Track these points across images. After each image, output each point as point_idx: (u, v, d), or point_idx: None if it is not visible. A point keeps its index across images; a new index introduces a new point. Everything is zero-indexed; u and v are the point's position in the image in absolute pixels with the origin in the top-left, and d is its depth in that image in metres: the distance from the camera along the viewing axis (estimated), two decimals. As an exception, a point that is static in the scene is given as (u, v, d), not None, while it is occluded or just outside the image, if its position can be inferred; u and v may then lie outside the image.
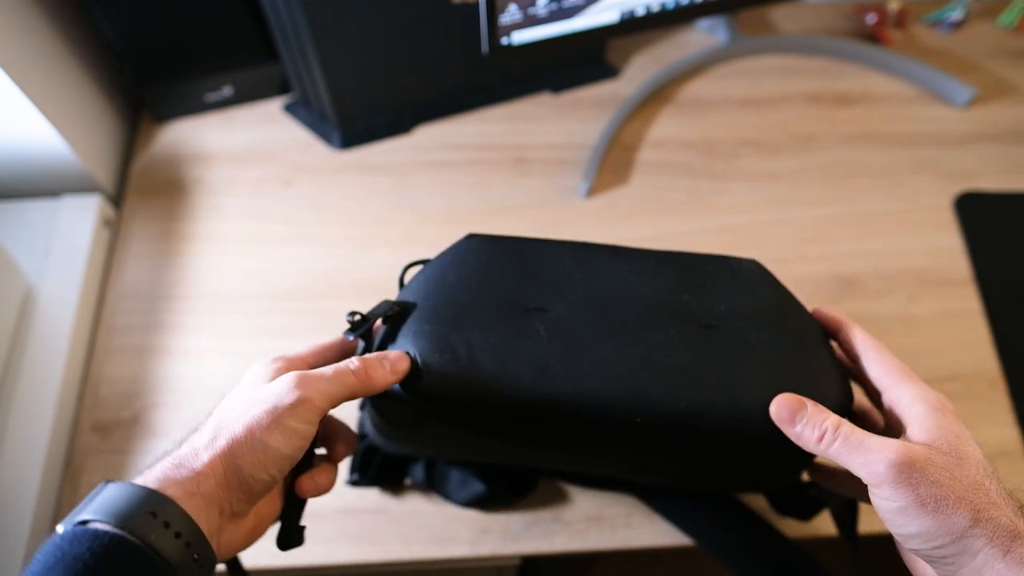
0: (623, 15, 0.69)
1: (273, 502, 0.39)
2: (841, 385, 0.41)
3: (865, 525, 0.50)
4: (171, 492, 0.32)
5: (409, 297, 0.43)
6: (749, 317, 0.42)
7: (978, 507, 0.31)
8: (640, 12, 0.70)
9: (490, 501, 0.58)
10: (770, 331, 0.42)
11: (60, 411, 0.61)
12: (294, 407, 0.34)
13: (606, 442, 0.42)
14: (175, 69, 0.75)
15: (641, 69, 0.85)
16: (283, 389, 0.35)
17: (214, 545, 0.33)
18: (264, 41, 0.75)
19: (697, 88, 0.85)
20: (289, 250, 0.72)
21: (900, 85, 0.85)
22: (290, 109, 0.81)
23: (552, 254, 0.45)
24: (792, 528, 0.57)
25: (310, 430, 0.35)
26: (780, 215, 0.75)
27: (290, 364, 0.40)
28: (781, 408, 0.37)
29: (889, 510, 0.33)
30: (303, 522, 0.42)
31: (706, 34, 0.89)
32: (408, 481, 0.60)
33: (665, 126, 0.81)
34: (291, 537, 0.41)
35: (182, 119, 0.80)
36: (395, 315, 0.43)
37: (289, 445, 0.35)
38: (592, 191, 0.76)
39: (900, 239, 0.74)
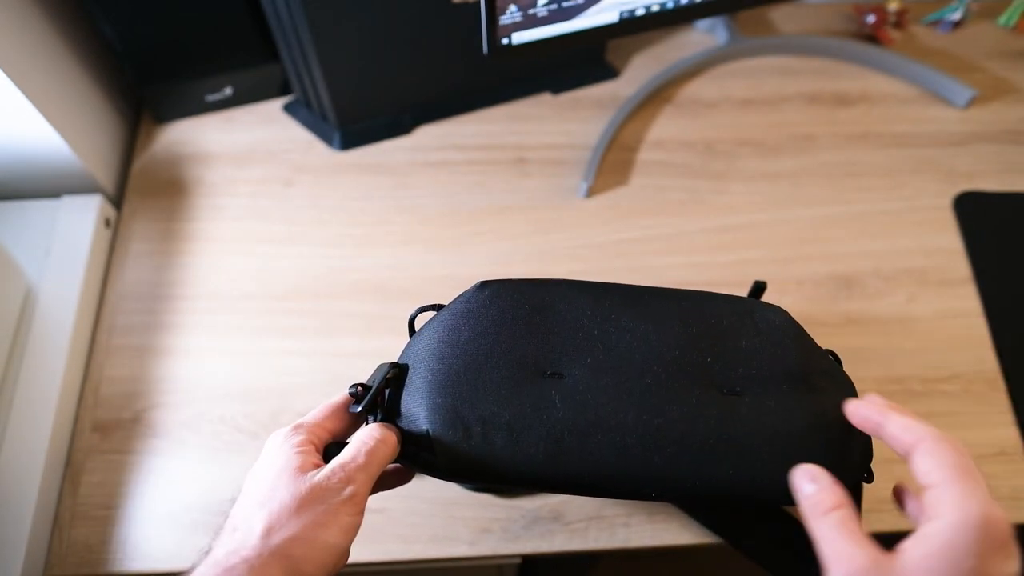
0: (623, 15, 0.69)
1: None
2: (858, 458, 0.40)
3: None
4: None
5: (420, 353, 0.42)
6: (773, 381, 0.41)
7: None
8: (640, 12, 0.70)
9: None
10: (794, 396, 0.41)
11: (60, 411, 0.61)
12: (348, 502, 0.35)
13: (622, 494, 0.42)
14: (175, 69, 0.75)
15: (641, 69, 0.85)
16: (337, 484, 0.35)
17: None
18: (264, 41, 0.75)
19: (697, 88, 0.85)
20: (289, 250, 0.72)
21: (900, 85, 0.85)
22: (290, 109, 0.81)
23: (569, 305, 0.43)
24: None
25: (360, 520, 0.36)
26: (780, 215, 0.75)
27: (311, 434, 0.39)
28: (798, 477, 0.37)
29: None
30: None
31: (706, 34, 0.89)
32: None
33: (665, 126, 0.81)
34: None
35: (182, 119, 0.80)
36: (396, 376, 0.42)
37: (347, 538, 0.35)
38: (592, 191, 0.76)
39: (900, 239, 0.74)
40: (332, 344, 0.67)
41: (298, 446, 0.37)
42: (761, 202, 0.76)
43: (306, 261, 0.71)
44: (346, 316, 0.68)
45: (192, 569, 0.34)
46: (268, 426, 0.63)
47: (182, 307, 0.69)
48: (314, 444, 0.38)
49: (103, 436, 0.62)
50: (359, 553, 0.58)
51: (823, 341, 0.48)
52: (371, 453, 0.37)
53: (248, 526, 0.34)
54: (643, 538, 0.58)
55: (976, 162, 0.79)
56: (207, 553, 0.34)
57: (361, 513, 0.36)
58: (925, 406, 0.64)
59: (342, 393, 0.42)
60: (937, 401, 0.65)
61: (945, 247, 0.73)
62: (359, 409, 0.40)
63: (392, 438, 0.39)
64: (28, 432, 0.59)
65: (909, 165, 0.79)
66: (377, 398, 0.41)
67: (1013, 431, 0.63)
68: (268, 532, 0.34)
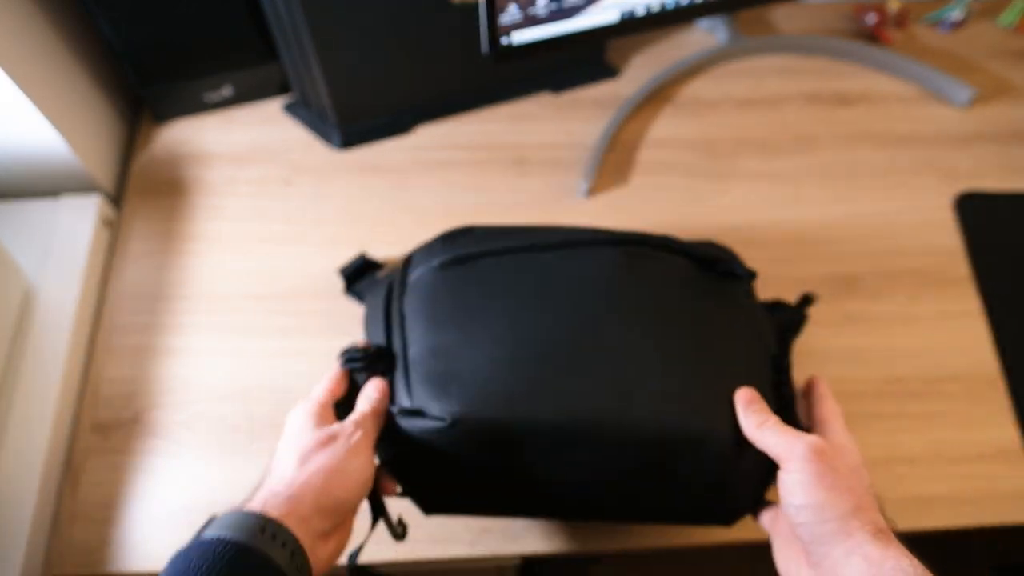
0: (623, 15, 0.69)
1: (346, 529, 0.45)
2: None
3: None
4: (273, 515, 0.38)
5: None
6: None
7: (860, 500, 0.39)
8: (640, 12, 0.70)
9: None
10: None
11: (60, 411, 0.61)
12: (363, 440, 0.44)
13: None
14: (175, 69, 0.75)
15: (641, 69, 0.85)
16: (350, 429, 0.44)
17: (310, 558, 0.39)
18: (264, 41, 0.75)
19: (697, 88, 0.85)
20: (289, 250, 0.72)
21: (900, 85, 0.85)
22: (290, 109, 0.81)
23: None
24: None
25: (372, 459, 0.45)
26: (780, 215, 0.75)
27: (322, 405, 0.47)
28: (743, 396, 0.46)
29: (793, 482, 0.40)
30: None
31: (706, 34, 0.89)
32: None
33: (665, 126, 0.81)
34: (397, 529, 0.49)
35: (182, 119, 0.80)
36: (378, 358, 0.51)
37: (368, 468, 0.44)
38: (592, 191, 0.76)
39: (900, 239, 0.74)
40: (332, 344, 0.66)
41: (313, 410, 0.46)
42: (761, 202, 0.76)
43: (306, 261, 0.71)
44: (347, 316, 0.68)
45: (237, 508, 0.38)
46: (268, 426, 0.63)
47: (182, 307, 0.69)
48: (325, 406, 0.47)
49: (103, 436, 0.62)
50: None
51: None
52: (374, 406, 0.47)
53: (282, 467, 0.42)
54: (643, 539, 0.58)
55: (977, 162, 0.79)
56: (248, 501, 0.40)
57: (371, 452, 0.45)
58: (925, 406, 0.64)
59: (333, 369, 0.51)
60: (937, 401, 0.65)
61: (945, 247, 0.73)
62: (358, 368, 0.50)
63: (386, 389, 0.49)
64: (28, 432, 0.59)
65: (909, 165, 0.79)
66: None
67: (1013, 431, 0.63)
68: (301, 463, 0.41)
